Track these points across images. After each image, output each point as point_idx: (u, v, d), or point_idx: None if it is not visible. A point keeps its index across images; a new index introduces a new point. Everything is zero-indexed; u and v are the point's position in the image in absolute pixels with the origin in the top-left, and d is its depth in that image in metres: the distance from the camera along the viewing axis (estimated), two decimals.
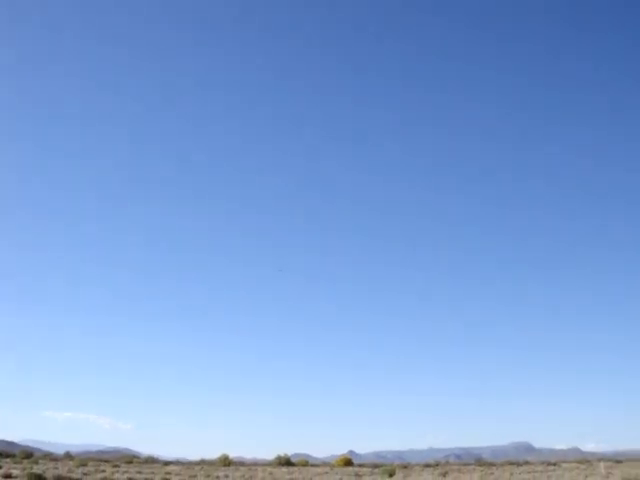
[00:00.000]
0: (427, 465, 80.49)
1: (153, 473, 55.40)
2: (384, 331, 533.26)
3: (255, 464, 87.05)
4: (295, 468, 77.62)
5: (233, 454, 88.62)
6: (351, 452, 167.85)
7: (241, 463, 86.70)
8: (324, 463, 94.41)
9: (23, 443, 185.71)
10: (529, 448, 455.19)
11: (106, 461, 79.44)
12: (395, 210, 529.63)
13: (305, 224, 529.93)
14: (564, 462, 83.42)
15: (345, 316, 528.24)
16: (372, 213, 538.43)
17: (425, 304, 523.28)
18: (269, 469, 74.87)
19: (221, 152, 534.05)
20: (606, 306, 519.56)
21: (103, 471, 56.27)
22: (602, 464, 69.26)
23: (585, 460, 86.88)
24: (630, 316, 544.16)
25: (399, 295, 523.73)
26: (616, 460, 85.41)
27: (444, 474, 62.95)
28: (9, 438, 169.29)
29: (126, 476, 50.00)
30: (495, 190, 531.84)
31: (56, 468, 57.55)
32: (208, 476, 54.60)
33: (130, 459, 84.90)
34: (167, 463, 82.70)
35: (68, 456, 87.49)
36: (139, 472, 56.88)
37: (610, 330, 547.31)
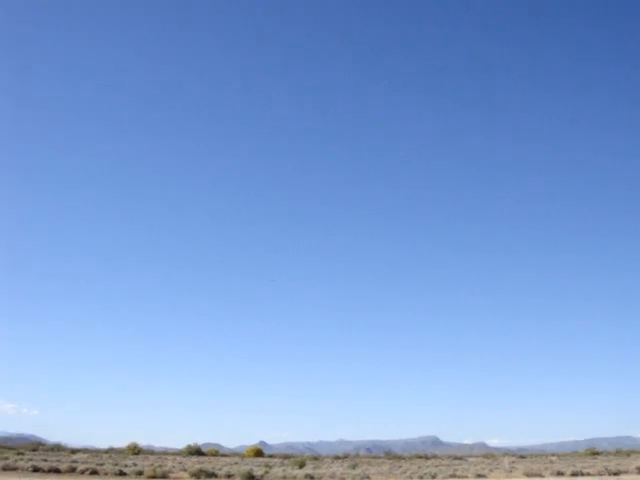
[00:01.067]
0: (337, 457, 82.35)
1: (59, 461, 54.82)
2: (293, 321, 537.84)
3: (165, 453, 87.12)
4: (205, 458, 78.25)
5: (142, 443, 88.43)
6: (262, 443, 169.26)
7: (150, 452, 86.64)
8: (235, 453, 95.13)
9: None
10: (437, 442, 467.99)
11: (10, 448, 77.91)
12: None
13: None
14: (470, 456, 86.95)
15: (249, 308, 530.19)
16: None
17: (336, 294, 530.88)
18: (179, 458, 75.27)
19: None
20: (510, 308, 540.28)
21: (6, 458, 55.36)
22: (506, 459, 72.67)
23: (490, 455, 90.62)
24: (529, 317, 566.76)
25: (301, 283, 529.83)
26: (520, 455, 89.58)
27: (354, 466, 64.81)
28: None
29: (31, 464, 49.40)
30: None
31: None
32: (116, 464, 54.55)
33: (35, 446, 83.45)
34: (74, 451, 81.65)
35: None
36: (44, 460, 56.22)
37: (512, 333, 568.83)
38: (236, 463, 67.63)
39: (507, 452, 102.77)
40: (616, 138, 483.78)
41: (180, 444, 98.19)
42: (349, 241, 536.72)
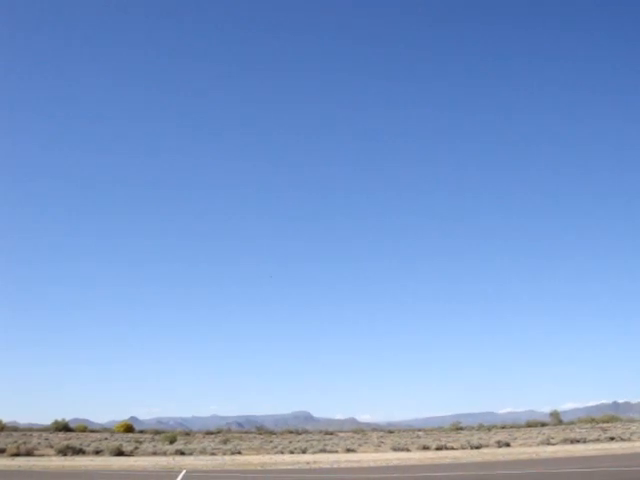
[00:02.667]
0: (209, 432, 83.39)
1: None
2: (161, 301, 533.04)
3: (30, 429, 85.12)
4: (73, 434, 77.31)
5: (6, 419, 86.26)
6: (133, 418, 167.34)
7: (14, 428, 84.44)
8: (104, 429, 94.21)
9: None
10: (309, 418, 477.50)
11: None
12: None
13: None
14: (341, 431, 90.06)
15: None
16: None
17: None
18: (45, 434, 74.05)
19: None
20: (380, 289, 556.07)
21: None
22: (375, 434, 76.21)
23: (360, 430, 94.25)
24: (395, 296, 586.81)
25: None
26: (389, 430, 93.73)
27: (225, 441, 66.24)
28: None
29: None
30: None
31: None
32: None
33: None
34: None
35: None
36: None
37: (380, 310, 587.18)
38: (105, 439, 67.50)
39: (377, 427, 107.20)
40: None
41: (47, 420, 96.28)
42: None
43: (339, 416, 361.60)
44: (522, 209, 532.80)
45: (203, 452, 52.80)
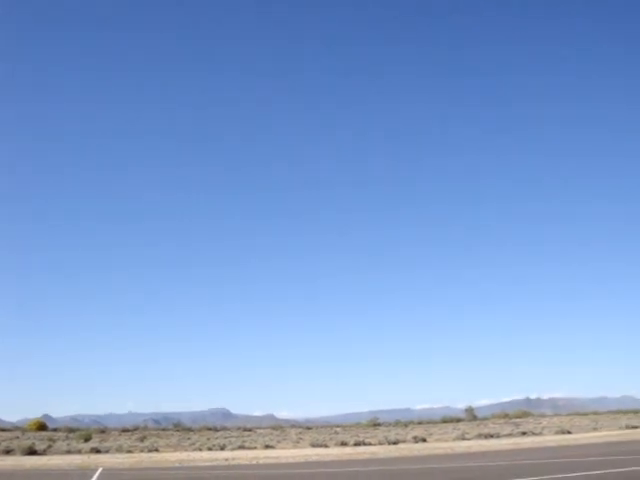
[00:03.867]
0: (126, 430, 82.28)
1: None
2: (73, 297, 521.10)
3: None
4: None
5: None
6: (46, 416, 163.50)
7: None
8: (16, 427, 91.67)
9: None
10: (227, 414, 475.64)
11: None
12: None
13: None
14: (259, 428, 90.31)
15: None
16: None
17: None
18: None
19: None
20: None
21: None
22: (293, 430, 76.77)
23: (279, 426, 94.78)
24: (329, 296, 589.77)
25: None
26: (307, 427, 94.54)
27: (142, 439, 65.62)
28: None
29: None
30: None
31: None
32: None
33: None
34: None
35: None
36: None
37: (300, 309, 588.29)
38: (17, 437, 65.88)
39: (295, 424, 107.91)
40: None
41: None
42: None
43: (257, 413, 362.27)
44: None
45: (119, 450, 52.23)
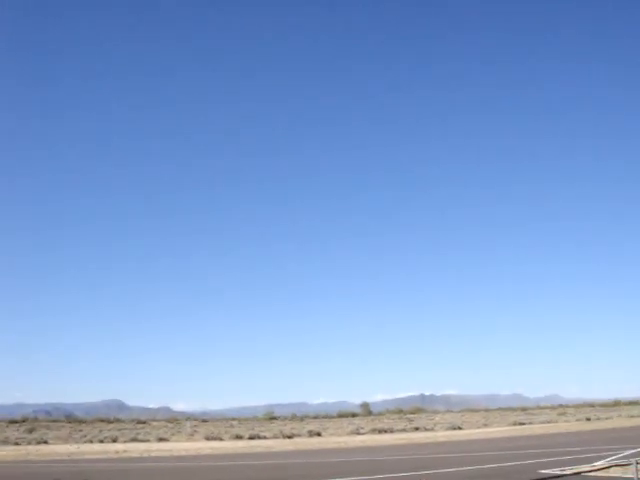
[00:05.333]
0: (13, 421, 79.59)
1: None
2: None
3: None
4: None
5: None
6: None
7: None
8: None
9: None
10: (122, 406, 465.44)
11: None
12: None
13: None
14: (154, 420, 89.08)
15: None
16: None
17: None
18: None
19: None
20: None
21: None
22: (188, 423, 76.17)
23: (174, 419, 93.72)
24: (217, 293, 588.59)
25: None
26: (203, 419, 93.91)
27: (31, 430, 63.79)
28: None
29: None
30: None
31: None
32: None
33: None
34: None
35: None
36: None
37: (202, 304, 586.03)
38: None
39: (191, 416, 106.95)
40: None
41: None
42: None
43: (153, 405, 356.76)
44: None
45: (5, 442, 50.73)
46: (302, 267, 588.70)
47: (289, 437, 58.56)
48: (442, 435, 58.26)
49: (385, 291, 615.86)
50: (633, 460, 15.43)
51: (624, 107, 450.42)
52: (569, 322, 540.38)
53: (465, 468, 24.36)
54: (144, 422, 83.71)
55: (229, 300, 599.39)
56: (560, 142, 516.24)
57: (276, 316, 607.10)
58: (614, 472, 19.84)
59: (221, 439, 56.68)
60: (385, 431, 65.50)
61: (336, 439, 54.95)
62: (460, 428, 70.25)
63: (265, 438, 57.74)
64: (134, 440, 54.74)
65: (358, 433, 63.21)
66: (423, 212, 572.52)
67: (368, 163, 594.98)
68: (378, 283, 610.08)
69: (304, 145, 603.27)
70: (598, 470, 19.48)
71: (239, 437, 58.12)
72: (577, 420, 78.95)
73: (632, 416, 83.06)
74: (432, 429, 69.78)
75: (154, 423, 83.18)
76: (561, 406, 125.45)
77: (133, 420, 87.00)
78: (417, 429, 69.08)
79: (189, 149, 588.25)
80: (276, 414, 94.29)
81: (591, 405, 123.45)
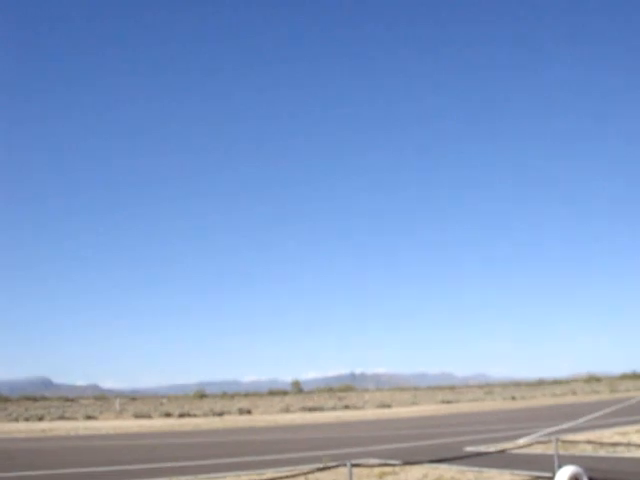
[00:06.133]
0: None
1: None
2: None
3: None
4: None
5: None
6: None
7: None
8: None
9: None
10: (48, 384, 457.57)
11: None
12: None
13: None
14: (82, 398, 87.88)
15: None
16: None
17: None
18: None
19: None
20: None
21: None
22: (117, 401, 75.31)
23: (103, 397, 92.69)
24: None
25: None
26: (132, 397, 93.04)
27: None
28: None
29: None
30: None
31: None
32: None
33: None
34: None
35: None
36: None
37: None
38: None
39: (120, 394, 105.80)
40: None
41: None
42: None
43: (81, 382, 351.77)
44: None
45: None
46: (234, 242, 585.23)
47: (219, 415, 58.47)
48: (371, 413, 59.01)
49: (315, 271, 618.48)
50: (554, 437, 15.91)
51: None
52: (496, 303, 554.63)
53: (392, 446, 24.71)
54: (72, 400, 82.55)
55: (160, 277, 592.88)
56: None
57: (207, 294, 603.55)
58: (536, 449, 20.41)
59: (150, 417, 56.25)
60: (315, 409, 65.96)
61: (266, 417, 55.13)
62: (389, 406, 71.30)
63: (195, 416, 57.51)
64: (61, 418, 53.85)
65: (288, 411, 63.51)
66: (343, 200, 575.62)
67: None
68: (308, 262, 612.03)
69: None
70: (521, 447, 20.02)
71: (169, 415, 57.76)
72: (503, 399, 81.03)
73: (555, 395, 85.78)
74: (362, 407, 70.62)
75: (82, 401, 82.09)
76: (488, 385, 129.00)
77: (60, 398, 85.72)
78: (347, 407, 69.81)
79: None
80: (207, 392, 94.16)
81: (517, 384, 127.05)
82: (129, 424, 46.86)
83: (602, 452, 19.83)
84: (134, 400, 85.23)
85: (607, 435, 24.82)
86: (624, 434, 24.90)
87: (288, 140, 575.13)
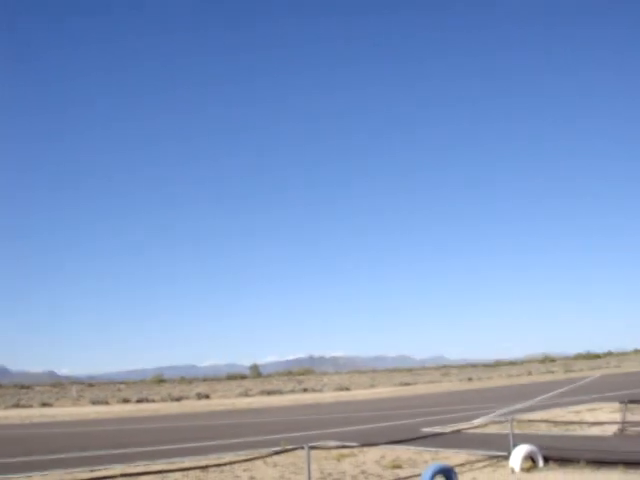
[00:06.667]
0: None
1: None
2: None
3: None
4: None
5: None
6: None
7: None
8: None
9: None
10: (3, 371, 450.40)
11: None
12: None
13: None
14: (38, 385, 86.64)
15: None
16: None
17: None
18: None
19: None
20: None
21: None
22: (74, 387, 74.47)
23: (59, 383, 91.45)
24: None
25: None
26: (89, 384, 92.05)
27: None
28: None
29: None
30: None
31: None
32: None
33: None
34: None
35: None
36: None
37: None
38: None
39: (77, 381, 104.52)
40: None
41: None
42: None
43: (37, 369, 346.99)
44: None
45: None
46: (198, 231, 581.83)
47: (177, 400, 58.25)
48: (330, 396, 59.33)
49: (273, 256, 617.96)
50: (509, 417, 16.14)
51: None
52: (453, 287, 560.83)
53: (351, 428, 24.86)
54: (27, 387, 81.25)
55: (114, 261, 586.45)
56: None
57: (165, 280, 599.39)
58: (491, 429, 20.73)
59: (108, 403, 55.78)
60: (274, 393, 66.11)
61: (224, 401, 55.09)
62: (348, 389, 71.78)
63: (153, 401, 57.21)
64: (16, 406, 53.09)
65: (247, 395, 63.55)
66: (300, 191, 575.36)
67: None
68: (265, 248, 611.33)
69: None
70: (477, 427, 20.30)
71: (126, 401, 57.36)
72: (460, 380, 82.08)
73: (511, 376, 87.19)
74: (320, 390, 70.97)
75: (38, 388, 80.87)
76: (445, 367, 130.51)
77: (16, 386, 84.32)
78: (306, 390, 70.11)
79: None
80: (165, 377, 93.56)
81: (473, 366, 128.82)
82: (86, 411, 46.41)
83: (556, 431, 20.19)
84: (91, 387, 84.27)
85: (561, 414, 25.29)
86: (577, 413, 25.40)
87: None
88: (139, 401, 57.16)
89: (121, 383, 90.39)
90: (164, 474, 13.24)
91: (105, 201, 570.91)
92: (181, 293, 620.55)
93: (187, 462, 16.20)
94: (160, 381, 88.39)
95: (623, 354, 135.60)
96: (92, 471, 15.08)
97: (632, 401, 20.96)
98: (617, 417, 20.78)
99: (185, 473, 14.36)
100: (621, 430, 18.45)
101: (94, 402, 56.41)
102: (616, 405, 23.70)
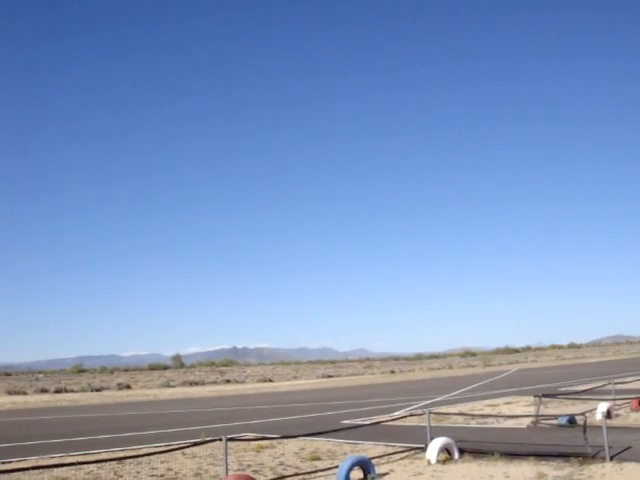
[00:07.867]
0: None
1: None
2: None
3: None
4: None
5: None
6: None
7: None
8: None
9: None
10: None
11: None
12: None
13: None
14: None
15: None
16: None
17: None
18: None
19: None
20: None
21: None
22: None
23: None
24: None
25: None
26: (5, 373, 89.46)
27: None
28: None
29: None
30: None
31: None
32: None
33: None
34: None
35: None
36: None
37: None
38: None
39: None
40: None
41: None
42: None
43: None
44: None
45: None
46: (121, 218, 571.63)
47: (97, 390, 57.18)
48: (252, 387, 59.23)
49: (199, 248, 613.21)
50: (427, 410, 16.36)
51: None
52: (375, 280, 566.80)
53: (272, 420, 24.83)
54: None
55: (29, 245, 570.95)
56: None
57: (87, 268, 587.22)
58: (410, 421, 20.95)
59: (25, 393, 54.35)
60: (196, 383, 65.63)
61: (146, 392, 54.36)
62: (271, 380, 71.77)
63: (72, 392, 56.00)
64: None
65: (169, 386, 62.86)
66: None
67: None
68: (194, 241, 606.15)
69: None
70: (396, 420, 20.49)
71: (44, 391, 55.99)
72: (382, 373, 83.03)
73: (432, 369, 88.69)
74: (243, 381, 70.79)
75: None
76: (368, 359, 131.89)
77: None
78: (228, 381, 69.81)
79: None
80: (85, 367, 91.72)
81: (396, 358, 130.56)
82: (1, 401, 45.10)
83: (473, 423, 20.59)
84: (7, 376, 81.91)
85: (478, 407, 25.80)
86: (494, 406, 25.95)
87: None
88: (57, 391, 55.90)
89: (39, 372, 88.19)
90: (78, 466, 12.89)
91: None
92: (103, 281, 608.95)
93: (103, 454, 15.86)
94: (80, 371, 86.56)
95: (540, 349, 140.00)
96: (3, 463, 14.62)
97: (545, 395, 21.55)
98: (532, 410, 21.32)
99: (100, 465, 14.02)
100: (535, 423, 18.94)
101: (10, 392, 54.84)
102: (531, 399, 24.33)
